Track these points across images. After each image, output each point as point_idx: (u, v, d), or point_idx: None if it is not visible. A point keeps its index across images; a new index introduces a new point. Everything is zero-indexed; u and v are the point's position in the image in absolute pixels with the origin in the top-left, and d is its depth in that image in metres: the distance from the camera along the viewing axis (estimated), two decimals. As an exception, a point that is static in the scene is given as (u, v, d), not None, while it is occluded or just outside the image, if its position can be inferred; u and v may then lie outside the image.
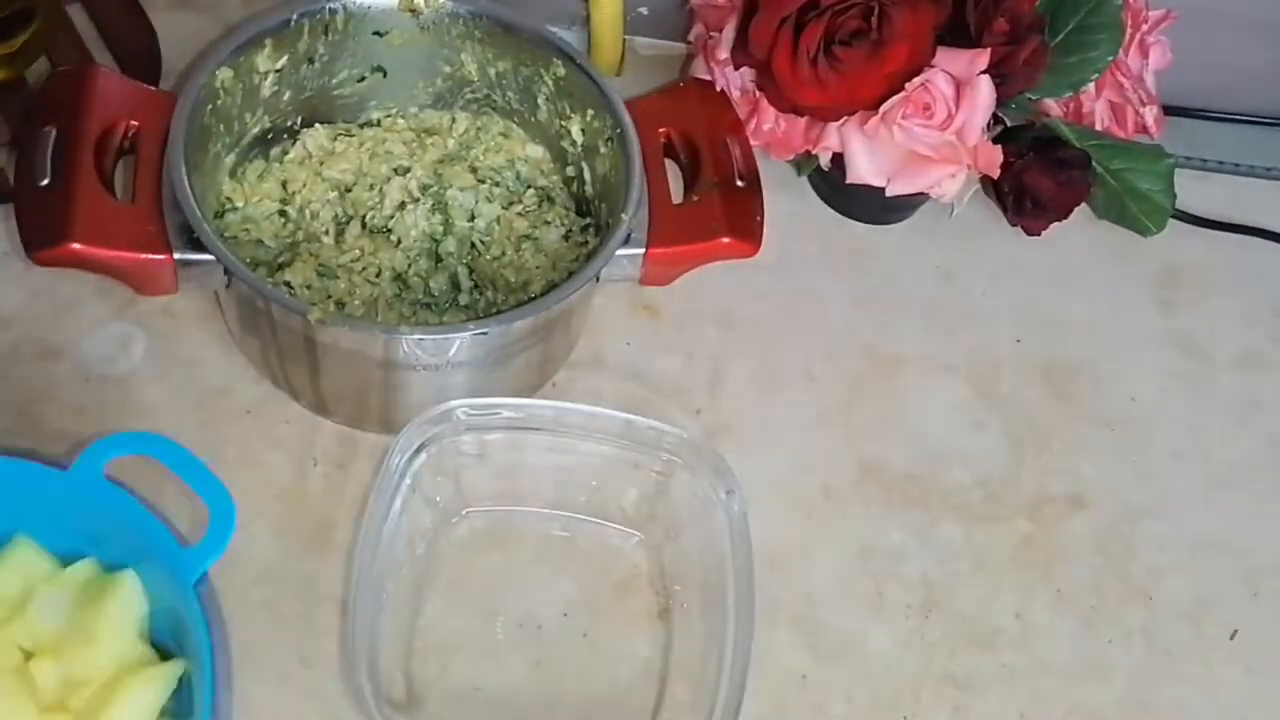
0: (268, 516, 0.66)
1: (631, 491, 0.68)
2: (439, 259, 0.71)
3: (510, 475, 0.68)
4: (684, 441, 0.66)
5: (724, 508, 0.65)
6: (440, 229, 0.71)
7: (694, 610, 0.65)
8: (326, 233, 0.71)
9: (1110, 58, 0.75)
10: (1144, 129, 0.79)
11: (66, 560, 0.59)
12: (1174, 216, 0.82)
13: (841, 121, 0.73)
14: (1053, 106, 0.78)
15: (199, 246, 0.61)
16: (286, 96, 0.71)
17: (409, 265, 0.70)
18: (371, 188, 0.72)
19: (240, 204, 0.70)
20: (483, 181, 0.73)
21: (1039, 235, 0.81)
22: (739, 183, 0.69)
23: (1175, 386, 0.79)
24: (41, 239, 0.60)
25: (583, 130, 0.71)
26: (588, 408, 0.67)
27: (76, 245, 0.59)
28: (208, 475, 0.59)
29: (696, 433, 0.66)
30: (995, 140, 0.74)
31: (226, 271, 0.61)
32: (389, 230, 0.71)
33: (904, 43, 0.69)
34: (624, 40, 0.83)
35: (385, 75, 0.74)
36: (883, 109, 0.70)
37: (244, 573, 0.64)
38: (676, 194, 0.69)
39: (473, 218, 0.72)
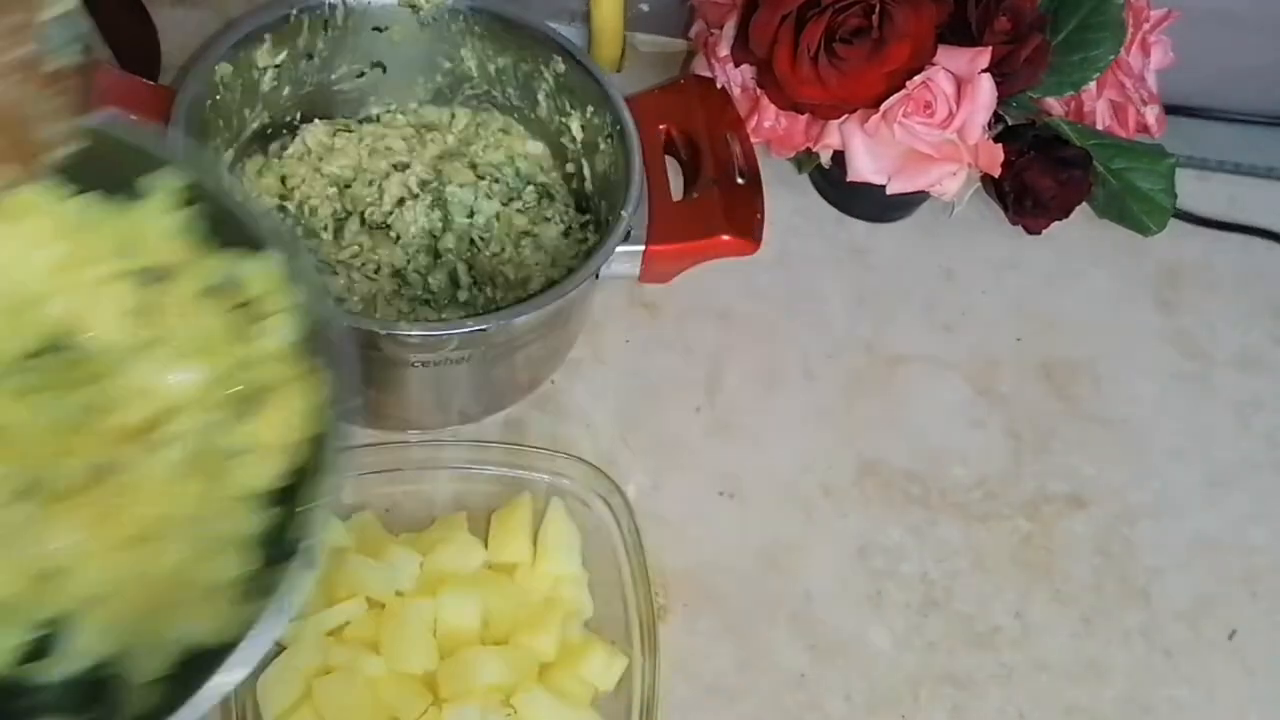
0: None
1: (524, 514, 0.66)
2: (438, 255, 0.71)
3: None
4: (570, 463, 0.66)
5: (615, 524, 0.65)
6: (439, 225, 0.71)
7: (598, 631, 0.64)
8: (325, 229, 0.71)
9: (1112, 57, 0.75)
10: (1145, 128, 0.79)
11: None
12: (1175, 216, 0.81)
13: (842, 119, 0.73)
14: (1054, 105, 0.78)
15: (198, 242, 0.60)
16: (286, 92, 0.71)
17: (408, 261, 0.70)
18: (371, 184, 0.72)
19: (239, 199, 0.70)
20: (482, 178, 0.73)
21: (1039, 234, 0.80)
22: (739, 180, 0.69)
23: (1175, 386, 0.79)
24: (40, 233, 0.60)
25: (583, 127, 0.71)
26: (465, 443, 0.67)
27: (75, 240, 0.59)
28: None
29: (593, 451, 0.67)
30: (996, 139, 0.74)
31: (225, 267, 0.60)
32: (388, 226, 0.71)
33: (905, 41, 0.69)
34: (624, 37, 0.83)
35: (385, 71, 0.73)
36: (884, 107, 0.70)
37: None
38: (676, 191, 0.69)
39: (472, 214, 0.72)
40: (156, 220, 0.45)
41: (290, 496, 0.43)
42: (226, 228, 0.45)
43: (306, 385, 0.45)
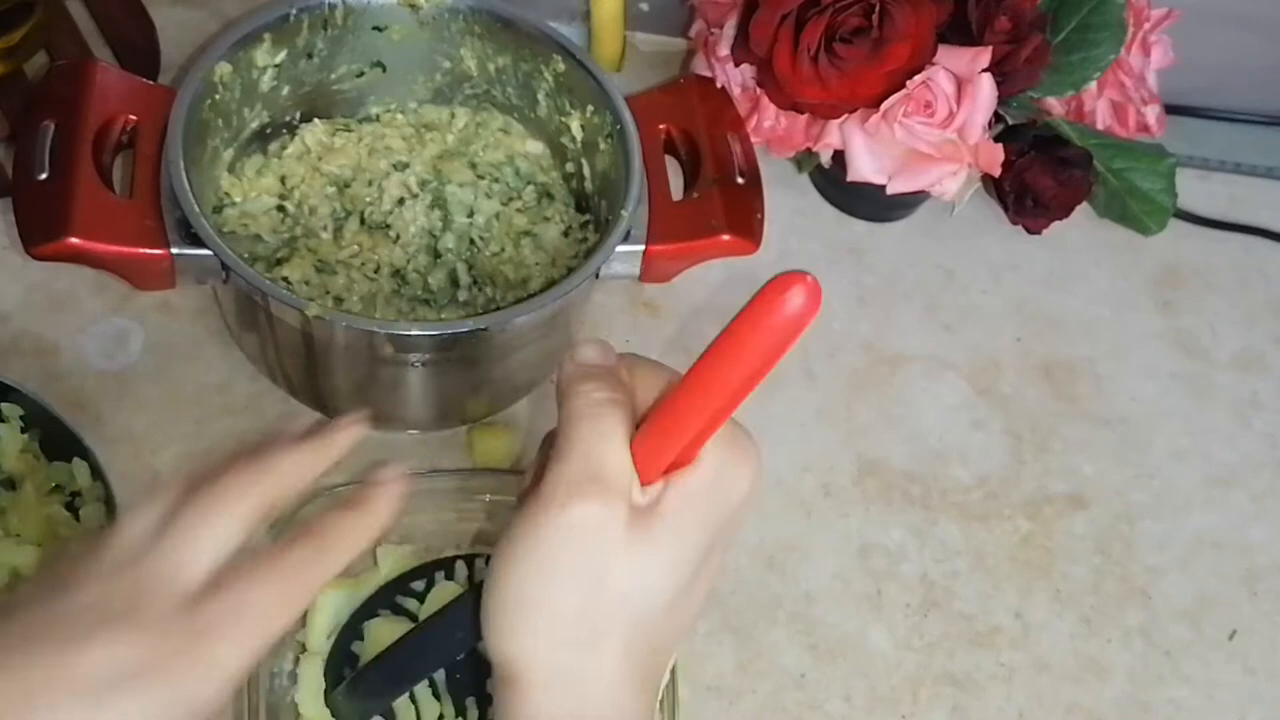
0: (265, 513, 0.66)
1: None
2: (438, 255, 0.71)
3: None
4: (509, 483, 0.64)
5: None
6: (439, 225, 0.71)
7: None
8: (325, 228, 0.70)
9: (1112, 56, 0.75)
10: (1145, 128, 0.79)
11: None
12: (1175, 216, 0.82)
13: (842, 119, 0.73)
14: (1054, 105, 0.78)
15: (197, 242, 0.60)
16: (285, 91, 0.71)
17: (407, 261, 0.70)
18: (370, 183, 0.72)
19: (238, 199, 0.70)
20: (482, 177, 0.73)
21: (1040, 234, 0.80)
22: (739, 180, 0.69)
23: (1175, 386, 0.79)
24: (40, 233, 0.60)
25: (582, 126, 0.71)
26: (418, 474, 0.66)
27: (75, 240, 0.59)
28: None
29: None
30: (996, 138, 0.74)
31: (224, 267, 0.60)
32: (388, 226, 0.71)
33: (905, 40, 0.69)
34: (624, 36, 0.83)
35: (384, 70, 0.73)
36: (884, 106, 0.70)
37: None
38: (676, 191, 0.69)
39: (472, 214, 0.72)
40: (10, 440, 0.62)
41: None
42: (55, 440, 0.62)
43: None
